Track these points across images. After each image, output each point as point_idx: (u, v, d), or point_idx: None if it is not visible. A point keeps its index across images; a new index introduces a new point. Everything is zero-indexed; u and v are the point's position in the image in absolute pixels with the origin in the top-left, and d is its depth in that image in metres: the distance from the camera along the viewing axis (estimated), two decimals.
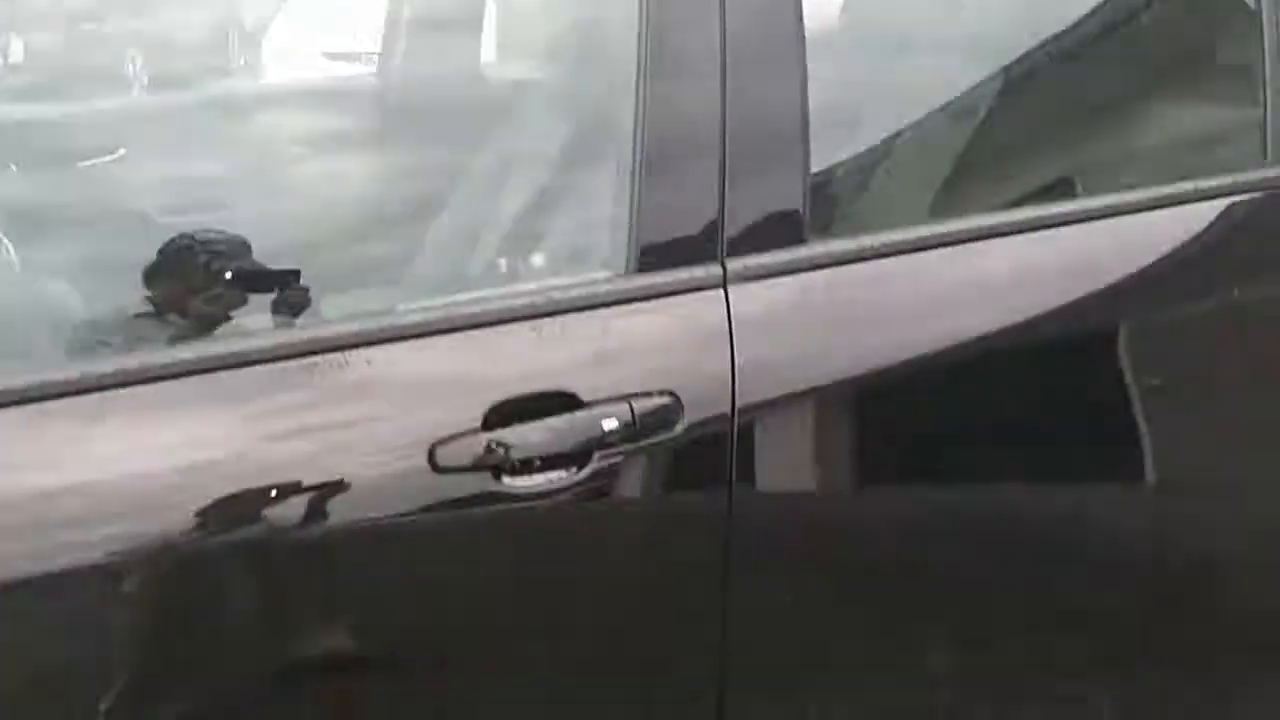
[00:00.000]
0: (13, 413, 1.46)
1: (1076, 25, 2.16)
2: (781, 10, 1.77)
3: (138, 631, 1.54)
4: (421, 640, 1.65)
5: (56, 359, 1.66)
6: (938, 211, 2.02)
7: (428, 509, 1.60)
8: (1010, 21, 2.18)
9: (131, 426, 1.51)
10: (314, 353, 1.57)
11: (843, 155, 1.95)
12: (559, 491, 1.63)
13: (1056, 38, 2.13)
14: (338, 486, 1.56)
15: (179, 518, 1.50)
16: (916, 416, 1.86)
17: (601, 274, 1.75)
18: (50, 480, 1.47)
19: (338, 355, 1.58)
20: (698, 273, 1.72)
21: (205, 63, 2.29)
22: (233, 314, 1.73)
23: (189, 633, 1.55)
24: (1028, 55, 2.13)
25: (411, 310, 1.67)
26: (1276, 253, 2.09)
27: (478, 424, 1.60)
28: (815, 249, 1.78)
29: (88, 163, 2.16)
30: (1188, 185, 2.01)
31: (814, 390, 1.78)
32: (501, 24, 2.52)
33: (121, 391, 1.50)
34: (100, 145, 2.15)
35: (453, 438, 1.59)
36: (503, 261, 1.93)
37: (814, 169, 1.79)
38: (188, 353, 1.57)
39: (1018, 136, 2.14)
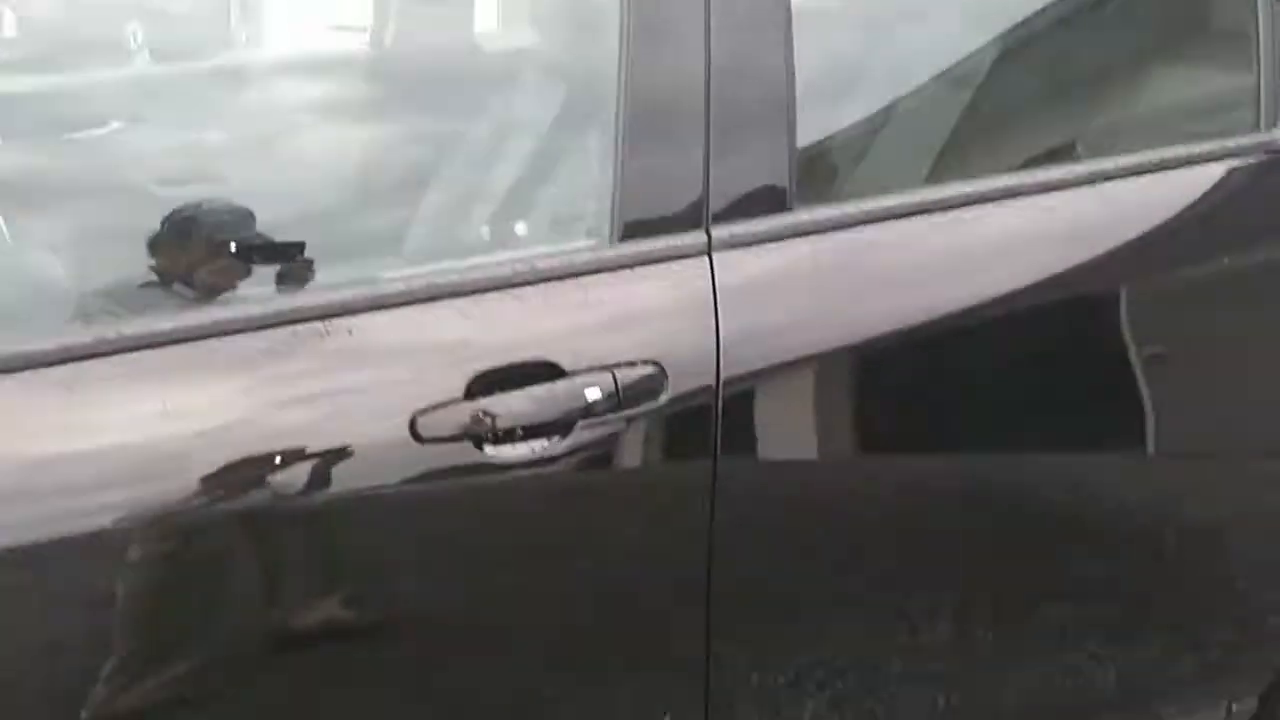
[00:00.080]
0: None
1: None
2: None
3: (112, 601, 1.54)
4: (401, 611, 1.65)
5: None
6: (927, 179, 2.00)
7: (409, 479, 1.59)
8: None
9: (107, 395, 1.51)
10: (295, 322, 1.57)
11: (829, 122, 1.93)
12: (541, 461, 1.63)
13: (1047, 3, 2.11)
14: (316, 457, 1.55)
15: (161, 488, 1.50)
16: (903, 384, 1.85)
17: (585, 242, 1.74)
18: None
19: (319, 324, 1.57)
20: (682, 240, 1.71)
21: (193, 33, 2.27)
22: (229, 286, 1.72)
23: (166, 600, 1.56)
24: (1016, 21, 2.11)
25: (394, 279, 1.65)
26: (1270, 219, 2.07)
27: (460, 394, 1.60)
28: (801, 216, 1.77)
29: (78, 134, 2.14)
30: (1179, 150, 1.99)
31: (800, 358, 1.77)
32: None
33: (98, 361, 1.50)
34: (90, 117, 2.14)
35: (435, 407, 1.58)
36: (486, 230, 1.92)
37: (800, 135, 1.77)
38: (166, 323, 1.56)
39: (1005, 104, 2.13)
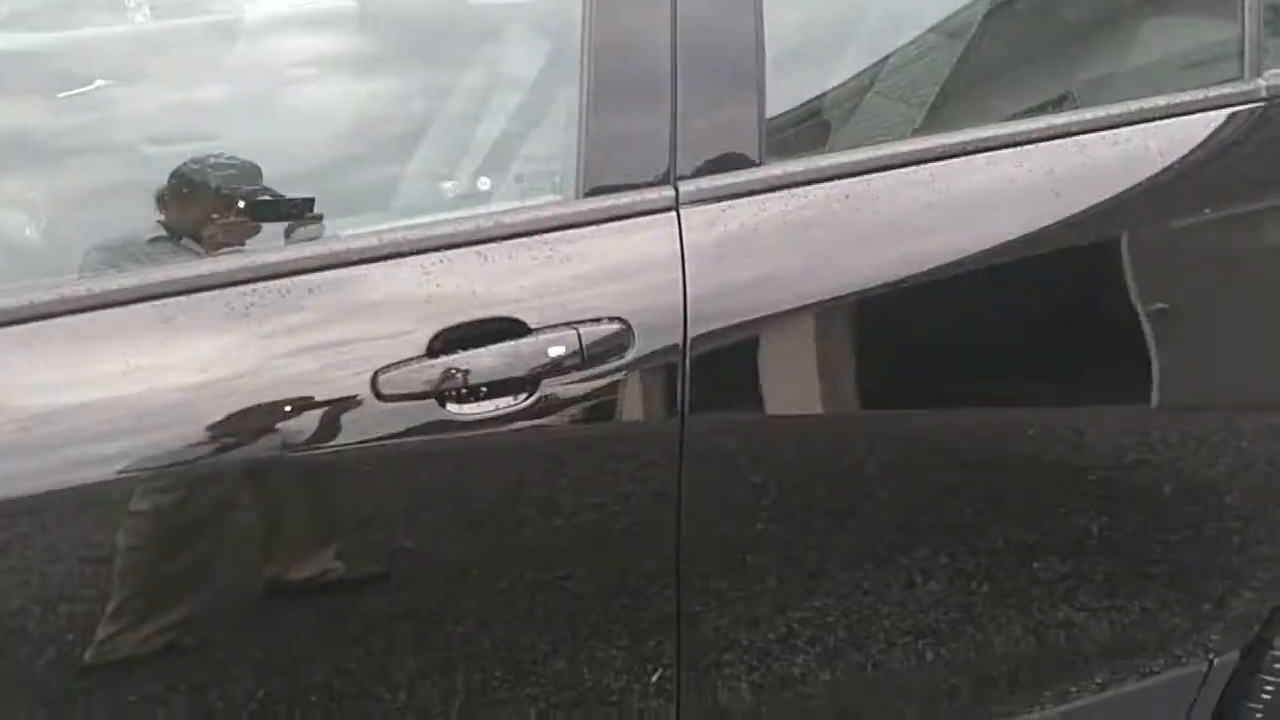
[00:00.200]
0: None
1: None
2: None
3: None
4: (365, 570, 1.65)
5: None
6: (902, 134, 1.98)
7: (371, 438, 1.59)
8: None
9: (73, 353, 1.52)
10: (255, 280, 1.57)
11: (799, 77, 1.91)
12: (505, 419, 1.62)
13: None
14: (278, 414, 1.56)
15: (125, 445, 1.52)
16: (872, 341, 1.84)
17: (550, 198, 1.73)
18: None
19: (281, 281, 1.57)
20: (649, 196, 1.70)
21: None
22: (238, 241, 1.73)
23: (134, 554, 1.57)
24: None
25: (356, 235, 1.65)
26: (1254, 169, 2.05)
27: (423, 351, 1.60)
28: (771, 170, 1.75)
29: (65, 94, 2.14)
30: (1161, 101, 1.96)
31: (769, 314, 1.75)
32: None
33: (63, 319, 1.51)
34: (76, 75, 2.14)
35: (397, 365, 1.58)
36: (449, 185, 1.91)
37: (769, 90, 1.75)
38: (131, 279, 1.57)
39: (984, 58, 2.10)
